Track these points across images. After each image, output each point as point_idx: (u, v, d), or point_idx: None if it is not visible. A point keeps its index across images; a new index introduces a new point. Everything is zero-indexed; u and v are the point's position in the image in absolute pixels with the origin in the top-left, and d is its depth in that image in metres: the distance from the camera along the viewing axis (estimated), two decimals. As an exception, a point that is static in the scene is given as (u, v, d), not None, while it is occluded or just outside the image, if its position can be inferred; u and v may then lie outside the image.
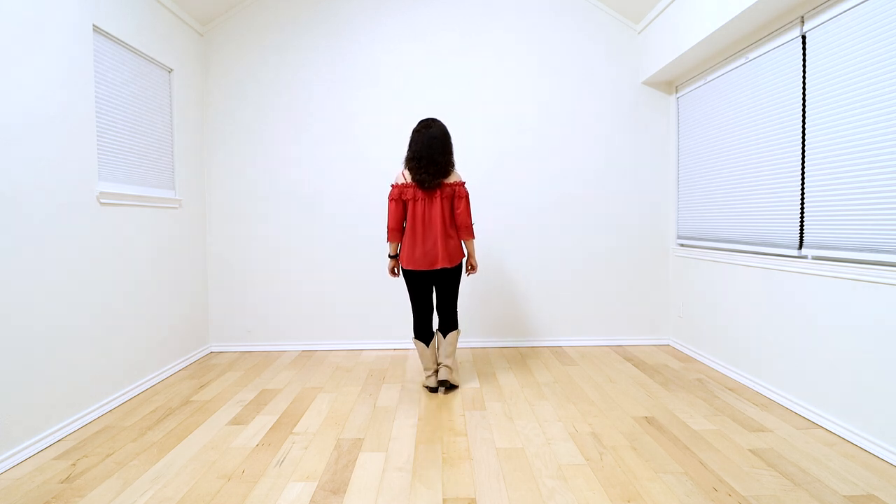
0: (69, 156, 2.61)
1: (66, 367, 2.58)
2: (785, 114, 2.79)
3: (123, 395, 3.01)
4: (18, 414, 2.29)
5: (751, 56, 3.06)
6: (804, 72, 2.66)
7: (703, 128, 3.63)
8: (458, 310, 3.28)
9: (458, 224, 2.95)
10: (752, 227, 3.09)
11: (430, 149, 2.85)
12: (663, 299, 4.20)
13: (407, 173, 2.93)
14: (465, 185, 2.97)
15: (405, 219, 2.96)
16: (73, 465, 2.23)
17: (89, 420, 2.70)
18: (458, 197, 2.92)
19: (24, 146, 2.34)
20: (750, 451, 2.27)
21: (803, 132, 2.68)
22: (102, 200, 2.85)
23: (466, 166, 4.12)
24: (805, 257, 2.68)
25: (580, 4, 4.11)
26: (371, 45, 4.09)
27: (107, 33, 2.94)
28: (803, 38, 2.66)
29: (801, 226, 2.69)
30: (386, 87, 4.10)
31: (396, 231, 2.95)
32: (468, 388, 3.18)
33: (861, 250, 2.33)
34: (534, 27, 4.11)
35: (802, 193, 2.69)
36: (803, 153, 2.68)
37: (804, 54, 2.66)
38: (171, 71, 3.62)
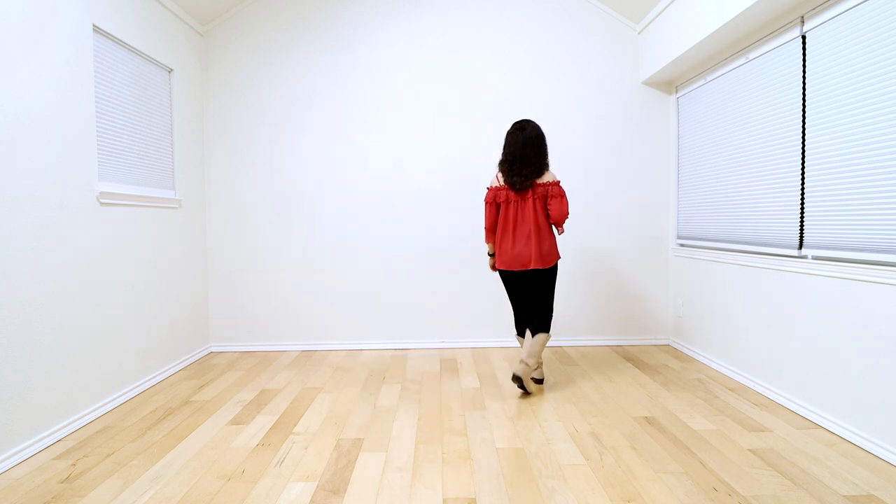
0: (69, 156, 2.61)
1: (67, 366, 2.58)
2: (785, 114, 2.79)
3: (123, 395, 3.01)
4: (19, 414, 2.29)
5: (751, 56, 3.06)
6: (804, 72, 2.66)
7: (703, 128, 3.63)
8: (553, 313, 3.27)
9: (553, 218, 2.93)
10: (752, 227, 3.09)
11: (525, 149, 2.90)
12: (663, 299, 4.20)
13: (500, 176, 3.00)
14: (560, 184, 2.96)
15: (498, 221, 3.05)
16: (73, 465, 2.23)
17: (89, 420, 2.70)
18: (552, 196, 2.90)
19: (24, 146, 2.34)
20: (750, 451, 2.27)
21: (803, 132, 2.68)
22: (102, 200, 2.85)
23: (465, 166, 4.12)
24: (805, 257, 2.68)
25: (580, 5, 4.11)
26: (371, 44, 4.09)
27: (106, 33, 2.94)
28: (803, 37, 2.66)
29: (801, 226, 2.69)
30: (386, 87, 4.10)
31: (491, 232, 3.09)
32: (468, 388, 3.18)
33: (861, 250, 2.33)
34: (533, 28, 4.11)
35: (802, 193, 2.69)
36: (803, 153, 2.68)
37: (804, 54, 2.66)
38: (171, 71, 3.62)
